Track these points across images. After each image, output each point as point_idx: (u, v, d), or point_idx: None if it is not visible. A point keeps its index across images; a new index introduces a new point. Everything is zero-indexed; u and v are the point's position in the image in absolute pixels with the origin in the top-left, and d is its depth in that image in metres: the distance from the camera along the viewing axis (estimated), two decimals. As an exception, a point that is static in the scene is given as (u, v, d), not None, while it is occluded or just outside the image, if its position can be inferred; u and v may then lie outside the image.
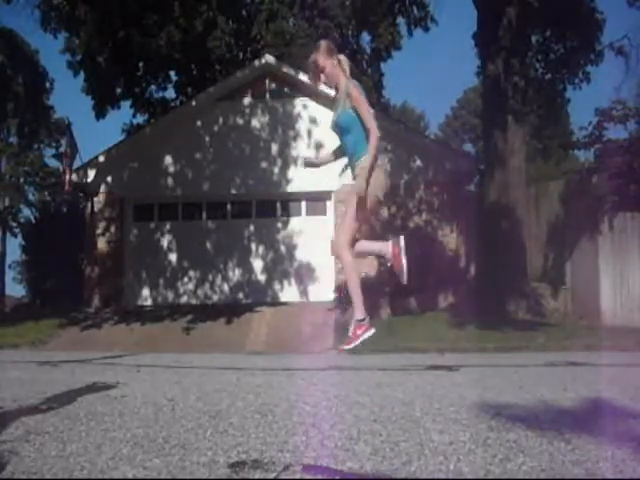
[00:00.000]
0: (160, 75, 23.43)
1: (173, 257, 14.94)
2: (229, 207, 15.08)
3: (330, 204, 14.43)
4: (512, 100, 12.22)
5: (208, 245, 14.85)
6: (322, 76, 4.47)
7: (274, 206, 15.00)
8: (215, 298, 14.67)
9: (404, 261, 4.35)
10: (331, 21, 24.77)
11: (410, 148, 14.02)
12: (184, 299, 14.74)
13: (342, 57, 4.55)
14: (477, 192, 15.10)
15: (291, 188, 14.58)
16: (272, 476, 1.44)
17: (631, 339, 8.79)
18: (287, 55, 20.85)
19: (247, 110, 15.04)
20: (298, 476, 1.45)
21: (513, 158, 12.35)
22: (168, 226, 15.09)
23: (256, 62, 15.46)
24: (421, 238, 14.05)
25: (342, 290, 13.32)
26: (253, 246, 14.82)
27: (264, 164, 14.77)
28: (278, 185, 14.66)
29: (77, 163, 14.92)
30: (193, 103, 15.80)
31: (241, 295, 14.68)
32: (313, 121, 14.68)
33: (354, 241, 4.37)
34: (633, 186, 12.47)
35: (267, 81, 15.10)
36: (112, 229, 14.81)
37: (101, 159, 14.93)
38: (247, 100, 15.07)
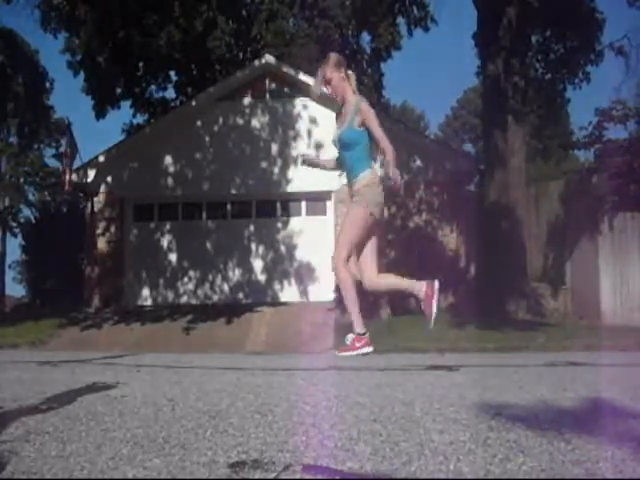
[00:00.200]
0: (160, 75, 23.43)
1: (173, 257, 14.95)
2: (229, 207, 15.09)
3: (330, 204, 14.43)
4: (512, 100, 12.22)
5: (208, 245, 14.85)
6: (328, 88, 4.47)
7: (274, 206, 15.00)
8: (215, 298, 14.68)
9: (435, 306, 4.28)
10: (331, 21, 24.79)
11: (410, 148, 14.03)
12: (184, 299, 14.75)
13: (350, 73, 4.54)
14: (477, 192, 15.10)
15: (291, 188, 14.59)
16: (272, 476, 1.44)
17: (631, 339, 8.79)
18: (287, 55, 20.86)
19: (247, 110, 15.05)
20: (298, 476, 1.44)
21: (513, 158, 12.35)
22: (168, 226, 15.10)
23: (256, 62, 15.47)
24: (421, 238, 14.06)
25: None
26: (253, 246, 14.82)
27: (264, 164, 14.78)
28: (278, 185, 14.67)
29: (77, 163, 14.94)
30: (193, 103, 15.81)
31: (241, 295, 14.68)
32: (313, 121, 14.68)
33: (351, 256, 4.36)
34: (633, 186, 12.47)
35: (267, 81, 15.10)
36: (112, 229, 14.82)
37: (101, 159, 14.94)
38: (247, 100, 15.07)
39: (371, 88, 22.81)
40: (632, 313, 11.56)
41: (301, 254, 14.61)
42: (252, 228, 14.89)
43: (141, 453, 1.64)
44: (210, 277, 14.82)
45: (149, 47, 19.83)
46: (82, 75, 22.01)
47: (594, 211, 12.12)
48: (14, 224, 29.12)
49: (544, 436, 1.73)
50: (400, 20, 15.69)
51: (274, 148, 14.85)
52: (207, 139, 14.99)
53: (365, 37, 24.16)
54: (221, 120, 15.04)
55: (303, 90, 14.82)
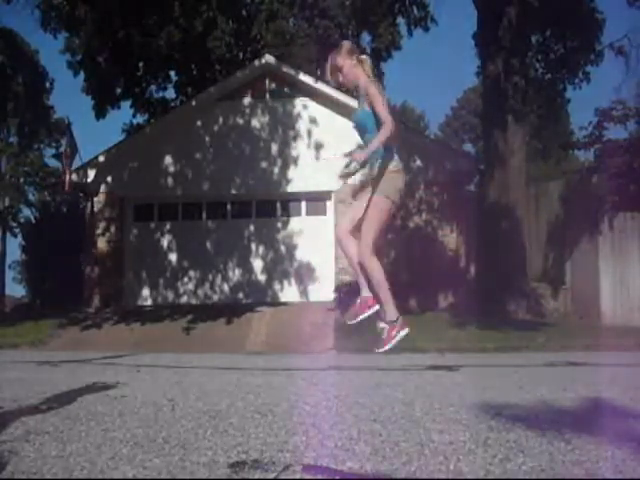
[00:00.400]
0: (160, 75, 23.41)
1: (173, 257, 14.94)
2: (229, 207, 15.08)
3: (330, 204, 14.43)
4: (512, 100, 12.22)
5: (208, 245, 14.85)
6: (340, 75, 4.44)
7: (274, 206, 14.99)
8: (215, 298, 14.67)
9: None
10: (331, 21, 24.78)
11: (410, 148, 14.01)
12: (184, 299, 14.74)
13: (364, 57, 4.52)
14: (477, 192, 15.10)
15: (291, 188, 14.58)
16: (272, 476, 1.44)
17: (631, 339, 8.80)
18: (287, 55, 20.84)
19: (247, 110, 15.04)
20: (298, 476, 1.45)
21: (513, 158, 12.35)
22: (168, 226, 15.09)
23: (256, 62, 15.46)
24: (421, 238, 14.06)
25: (341, 291, 13.34)
26: (253, 246, 14.82)
27: (264, 164, 14.77)
28: (278, 185, 14.66)
29: (77, 163, 14.91)
30: (193, 103, 15.80)
31: (241, 295, 14.68)
32: (313, 121, 14.68)
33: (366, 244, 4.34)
34: (633, 186, 12.47)
35: (267, 81, 15.09)
36: (112, 229, 14.81)
37: (101, 159, 14.93)
38: (247, 100, 15.06)
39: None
40: (632, 313, 11.56)
41: (301, 254, 14.60)
42: (252, 228, 14.89)
43: (141, 453, 1.64)
44: (210, 277, 14.82)
45: (149, 47, 19.81)
46: (82, 75, 21.99)
47: (594, 211, 12.12)
48: (14, 224, 29.10)
49: (544, 436, 1.73)
50: (400, 20, 15.66)
51: (274, 148, 14.84)
52: (207, 139, 14.98)
53: (365, 37, 24.14)
54: (221, 120, 15.03)
55: (303, 90, 14.82)
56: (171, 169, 14.96)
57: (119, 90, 22.32)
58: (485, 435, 1.75)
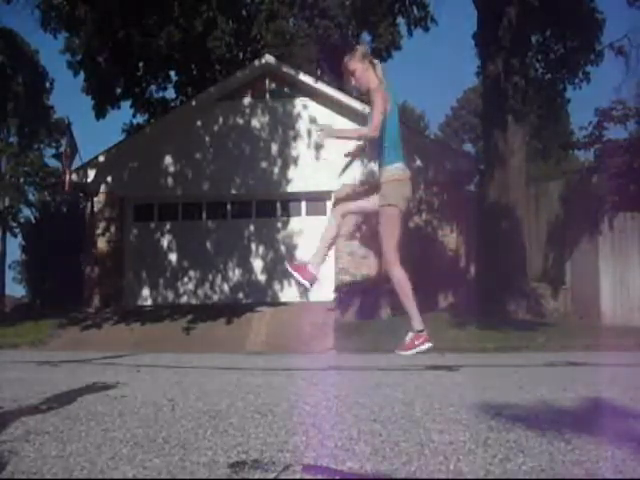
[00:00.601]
0: (160, 75, 23.41)
1: (173, 257, 14.94)
2: (229, 207, 15.08)
3: (330, 204, 14.42)
4: (512, 100, 12.21)
5: (208, 245, 14.85)
6: (353, 79, 4.47)
7: (274, 206, 15.00)
8: (215, 298, 14.67)
9: (411, 352, 4.32)
10: (331, 21, 24.79)
11: (410, 148, 14.00)
12: (184, 299, 14.75)
13: (376, 61, 4.55)
14: (477, 192, 15.09)
15: (291, 188, 14.59)
16: (272, 476, 1.44)
17: (631, 339, 8.80)
18: (287, 55, 20.84)
19: (247, 110, 15.04)
20: (298, 476, 1.44)
21: (513, 158, 12.34)
22: (168, 226, 15.09)
23: (256, 62, 15.46)
24: (421, 238, 14.05)
25: (341, 291, 13.34)
26: (253, 246, 14.82)
27: (264, 164, 14.77)
28: (278, 185, 14.66)
29: (77, 163, 14.92)
30: (193, 103, 15.80)
31: (241, 295, 14.68)
32: (313, 121, 14.67)
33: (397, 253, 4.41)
34: (633, 186, 12.47)
35: (267, 81, 15.10)
36: (112, 229, 14.81)
37: (101, 159, 14.93)
38: (247, 100, 15.07)
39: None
40: (632, 313, 11.56)
41: (301, 254, 14.60)
42: (252, 228, 14.89)
43: (141, 453, 1.64)
44: (210, 277, 14.82)
45: (149, 47, 19.81)
46: (82, 75, 21.99)
47: (594, 211, 12.12)
48: (14, 224, 29.10)
49: (544, 436, 1.73)
50: (400, 20, 15.64)
51: (274, 148, 14.84)
52: (207, 139, 14.98)
53: (365, 37, 24.15)
54: (221, 120, 15.03)
55: (303, 90, 14.82)
56: (171, 169, 14.97)
57: (119, 90, 22.32)
58: (485, 435, 1.75)
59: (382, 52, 22.75)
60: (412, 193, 4.47)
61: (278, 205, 15.00)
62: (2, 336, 10.67)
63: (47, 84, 30.28)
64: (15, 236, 28.99)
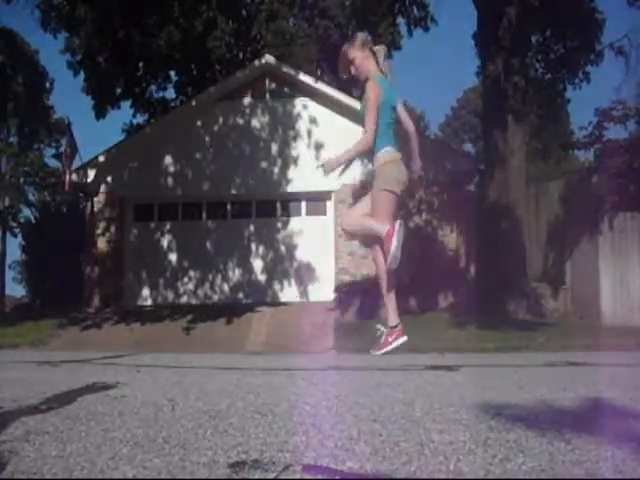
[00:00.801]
0: (160, 75, 23.42)
1: (173, 257, 14.94)
2: (229, 207, 15.09)
3: (330, 204, 14.44)
4: (512, 100, 12.21)
5: (208, 245, 14.85)
6: (352, 68, 4.42)
7: (274, 206, 15.00)
8: (215, 298, 14.67)
9: (386, 350, 4.28)
10: (331, 21, 24.79)
11: (408, 147, 14.00)
12: (184, 299, 14.75)
13: (378, 48, 4.49)
14: (477, 192, 15.10)
15: (291, 188, 14.59)
16: (272, 476, 1.44)
17: (631, 339, 8.79)
18: (287, 55, 20.85)
19: (247, 110, 15.05)
20: (298, 476, 1.44)
21: (513, 158, 12.34)
22: (168, 226, 15.10)
23: (256, 62, 15.47)
24: (421, 238, 14.05)
25: (341, 291, 13.33)
26: (253, 246, 14.82)
27: (264, 164, 14.77)
28: (278, 185, 14.66)
29: (77, 163, 14.93)
30: (193, 103, 15.81)
31: (241, 295, 14.68)
32: (313, 121, 14.68)
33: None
34: (633, 186, 12.47)
35: (267, 81, 15.10)
36: (112, 229, 14.82)
37: (101, 159, 14.94)
38: (247, 100, 15.07)
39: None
40: (632, 313, 11.56)
41: (301, 254, 14.61)
42: (252, 228, 14.89)
43: (141, 453, 1.63)
44: (210, 277, 14.82)
45: (149, 47, 19.82)
46: (82, 75, 22.01)
47: (594, 211, 12.12)
48: (14, 224, 29.12)
49: (544, 436, 1.73)
50: (400, 20, 15.64)
51: (274, 148, 14.85)
52: (207, 139, 14.99)
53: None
54: (221, 120, 15.04)
55: (303, 90, 14.83)
56: (171, 169, 14.97)
57: (119, 90, 22.34)
58: (485, 435, 1.75)
59: (382, 52, 22.74)
60: (403, 172, 4.43)
61: (278, 205, 15.01)
62: (2, 336, 10.66)
63: (47, 84, 30.32)
64: (15, 236, 29.03)
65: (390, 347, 4.27)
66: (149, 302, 14.75)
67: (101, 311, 13.67)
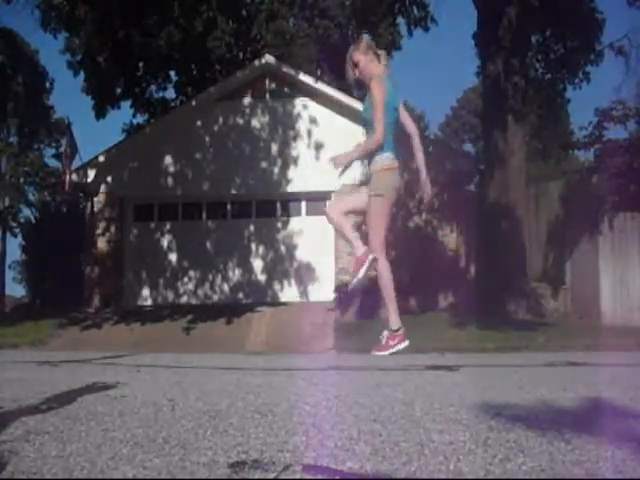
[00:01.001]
0: (160, 75, 23.43)
1: (173, 257, 14.95)
2: (229, 207, 15.09)
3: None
4: (512, 100, 12.21)
5: (208, 245, 14.86)
6: (356, 71, 4.46)
7: (274, 206, 15.00)
8: (215, 298, 14.68)
9: (388, 352, 4.33)
10: (331, 21, 24.79)
11: (410, 148, 14.00)
12: (184, 299, 14.75)
13: (381, 52, 4.53)
14: (477, 192, 15.10)
15: (291, 188, 14.59)
16: (272, 476, 1.44)
17: (631, 339, 8.79)
18: (287, 55, 20.85)
19: (247, 110, 15.05)
20: (298, 476, 1.44)
21: (513, 158, 12.34)
22: (168, 226, 15.10)
23: (256, 62, 15.48)
24: (421, 238, 14.06)
25: (341, 291, 13.33)
26: (253, 246, 14.82)
27: (264, 164, 14.78)
28: (278, 185, 14.67)
29: (77, 163, 14.95)
30: (193, 103, 15.81)
31: (241, 295, 14.68)
32: (313, 121, 14.68)
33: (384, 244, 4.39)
34: (633, 186, 12.47)
35: (267, 81, 15.11)
36: (112, 229, 14.82)
37: (101, 159, 14.94)
38: (247, 100, 15.07)
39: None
40: (632, 313, 11.56)
41: (301, 254, 14.61)
42: (252, 228, 14.89)
43: (141, 453, 1.63)
44: (210, 277, 14.82)
45: (149, 47, 19.82)
46: (82, 75, 22.02)
47: (594, 211, 12.12)
48: (14, 224, 29.11)
49: (544, 436, 1.73)
50: (400, 20, 15.64)
51: (274, 148, 14.85)
52: (207, 139, 14.99)
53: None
54: (221, 120, 15.04)
55: (303, 90, 14.83)
56: (171, 169, 14.97)
57: (119, 90, 22.34)
58: (485, 435, 1.75)
59: (382, 52, 22.74)
60: (400, 182, 4.48)
61: (278, 205, 15.01)
62: (2, 336, 10.66)
63: (47, 84, 30.32)
64: (15, 236, 29.02)
65: (391, 350, 4.28)
66: (149, 302, 14.75)
67: (101, 311, 13.68)
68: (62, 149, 16.50)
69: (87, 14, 16.76)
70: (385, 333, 4.36)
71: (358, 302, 12.22)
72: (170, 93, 24.37)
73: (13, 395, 2.47)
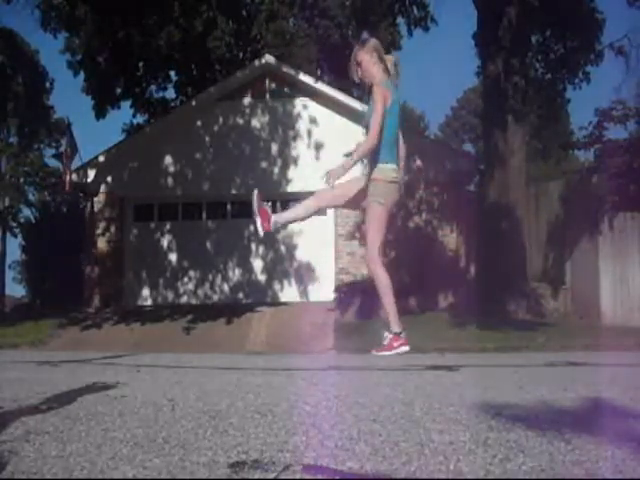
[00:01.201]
0: (160, 75, 23.43)
1: (173, 257, 14.95)
2: (229, 207, 15.09)
3: (330, 204, 14.42)
4: (512, 100, 12.21)
5: (208, 245, 14.86)
6: (359, 70, 4.44)
7: (274, 206, 14.89)
8: (215, 298, 14.68)
9: (390, 353, 4.40)
10: (331, 21, 24.76)
11: (410, 148, 13.99)
12: (184, 299, 14.75)
13: (388, 56, 4.52)
14: (477, 192, 15.10)
15: (291, 188, 14.59)
16: (272, 476, 1.44)
17: (631, 339, 8.79)
18: (287, 55, 20.85)
19: (247, 110, 15.05)
20: (298, 476, 1.44)
21: (513, 158, 12.34)
22: (168, 226, 15.10)
23: (256, 62, 15.47)
24: (421, 238, 14.06)
25: (341, 291, 13.34)
26: (253, 246, 14.82)
27: (264, 164, 14.78)
28: (278, 185, 14.67)
29: (77, 163, 14.95)
30: (193, 103, 15.82)
31: (241, 295, 14.68)
32: (313, 121, 14.68)
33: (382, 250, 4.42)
34: (633, 186, 12.47)
35: (267, 81, 15.10)
36: (112, 229, 14.82)
37: (101, 159, 14.94)
38: (247, 100, 15.07)
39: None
40: (632, 313, 11.55)
41: (301, 254, 14.61)
42: (252, 228, 14.88)
43: (141, 453, 1.63)
44: (210, 277, 14.82)
45: (149, 47, 19.82)
46: (82, 75, 22.03)
47: (594, 211, 12.12)
48: (14, 224, 29.09)
49: (544, 436, 1.73)
50: (400, 20, 15.64)
51: (274, 148, 14.85)
52: (207, 139, 14.99)
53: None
54: (221, 120, 15.04)
55: (303, 90, 14.83)
56: (171, 169, 14.98)
57: (119, 90, 22.35)
58: (485, 435, 1.75)
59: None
60: (398, 195, 4.53)
61: (278, 205, 14.97)
62: (2, 336, 10.66)
63: (47, 84, 30.30)
64: (15, 236, 28.99)
65: (393, 352, 4.30)
66: (149, 302, 14.75)
67: (101, 311, 13.68)
68: (62, 149, 16.51)
69: (87, 14, 16.76)
70: (388, 335, 4.37)
71: (358, 302, 12.22)
72: (170, 93, 24.40)
73: (13, 395, 2.47)
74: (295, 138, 14.83)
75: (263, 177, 14.68)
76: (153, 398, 2.40)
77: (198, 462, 1.54)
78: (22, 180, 30.08)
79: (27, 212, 28.88)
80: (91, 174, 14.84)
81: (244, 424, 1.91)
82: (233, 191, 14.76)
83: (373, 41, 4.57)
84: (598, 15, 14.45)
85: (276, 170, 14.76)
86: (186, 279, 14.88)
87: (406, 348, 4.35)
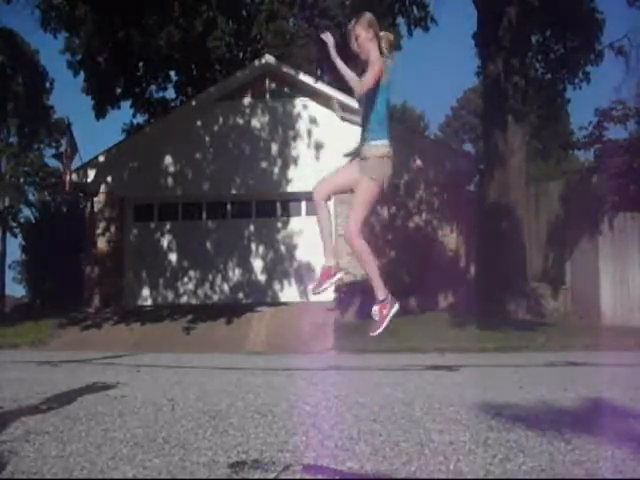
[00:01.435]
0: (160, 75, 23.41)
1: (173, 257, 14.93)
2: (229, 207, 15.08)
3: (330, 204, 14.39)
4: (512, 100, 12.21)
5: (208, 245, 14.84)
6: (355, 44, 4.44)
7: (274, 206, 14.99)
8: (215, 298, 14.67)
9: (385, 324, 4.32)
10: (331, 21, 24.76)
11: (410, 148, 14.01)
12: (184, 299, 14.74)
13: (384, 34, 4.49)
14: (477, 192, 15.09)
15: (291, 188, 14.58)
16: (272, 476, 1.44)
17: (631, 339, 8.79)
18: (287, 55, 20.84)
19: (247, 110, 15.04)
20: (298, 476, 1.44)
21: (513, 158, 12.34)
22: (168, 226, 15.09)
23: (256, 62, 15.46)
24: (421, 238, 14.05)
25: (341, 291, 13.33)
26: (253, 246, 14.81)
27: (264, 164, 14.77)
28: (278, 185, 14.66)
29: (77, 163, 14.92)
30: (193, 103, 15.80)
31: (241, 295, 14.67)
32: (313, 121, 14.67)
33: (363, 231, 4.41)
34: (633, 186, 12.46)
35: (267, 81, 15.09)
36: (112, 229, 14.81)
37: (101, 159, 14.93)
38: (247, 100, 15.06)
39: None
40: (632, 313, 11.55)
41: (301, 254, 14.60)
42: (252, 228, 14.88)
43: (141, 453, 1.63)
44: (210, 277, 14.81)
45: (149, 47, 19.80)
46: (82, 75, 22.00)
47: (594, 211, 12.11)
48: (14, 224, 29.08)
49: (544, 436, 1.73)
50: (400, 20, 15.63)
51: (274, 148, 14.84)
52: (207, 139, 14.98)
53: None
54: (221, 120, 15.03)
55: (303, 90, 14.82)
56: (171, 169, 14.96)
57: (119, 90, 22.32)
58: (485, 435, 1.75)
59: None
60: (391, 171, 4.50)
61: (278, 205, 15.00)
62: (2, 336, 10.66)
63: (47, 84, 30.26)
64: (15, 236, 28.97)
65: (387, 320, 4.27)
66: (149, 302, 14.74)
67: (101, 311, 13.67)
68: (62, 149, 16.50)
69: (87, 14, 16.75)
70: (375, 308, 4.35)
71: (358, 302, 12.22)
72: (170, 93, 24.37)
73: (13, 395, 2.47)
74: (295, 138, 14.82)
75: (263, 177, 14.67)
76: (153, 398, 2.40)
77: (198, 462, 1.54)
78: (22, 180, 30.06)
79: (27, 212, 28.87)
80: (91, 174, 14.82)
81: (244, 424, 1.91)
82: (233, 191, 14.75)
83: (369, 15, 4.55)
84: (598, 15, 14.45)
85: (276, 170, 14.75)
86: (186, 279, 14.87)
87: (396, 306, 4.31)
